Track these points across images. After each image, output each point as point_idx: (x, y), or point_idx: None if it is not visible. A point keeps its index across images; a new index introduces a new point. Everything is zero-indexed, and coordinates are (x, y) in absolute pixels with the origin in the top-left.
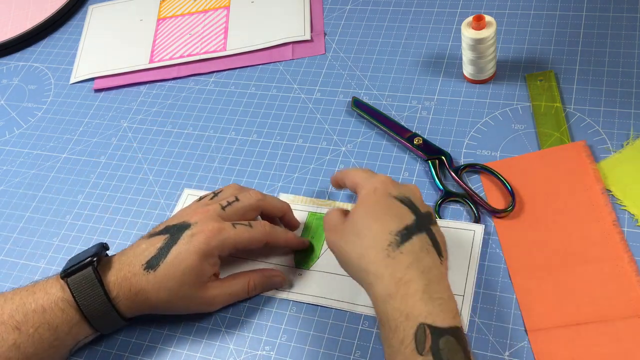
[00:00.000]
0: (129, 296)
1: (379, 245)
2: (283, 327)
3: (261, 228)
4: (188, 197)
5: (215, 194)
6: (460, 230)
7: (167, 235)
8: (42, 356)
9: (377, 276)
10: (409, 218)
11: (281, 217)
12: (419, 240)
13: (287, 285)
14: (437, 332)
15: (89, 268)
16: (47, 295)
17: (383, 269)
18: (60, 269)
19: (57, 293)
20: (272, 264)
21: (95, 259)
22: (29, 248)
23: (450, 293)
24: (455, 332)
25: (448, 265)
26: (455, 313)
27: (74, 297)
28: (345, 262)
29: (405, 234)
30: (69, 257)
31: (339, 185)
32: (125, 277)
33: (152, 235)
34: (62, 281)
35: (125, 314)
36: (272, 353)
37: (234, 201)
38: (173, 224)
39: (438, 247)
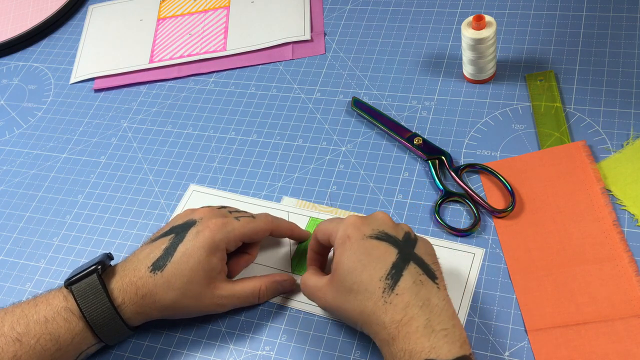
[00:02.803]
0: (135, 301)
1: (374, 295)
2: (283, 327)
3: (265, 218)
4: (193, 192)
5: (224, 207)
6: (460, 252)
7: (172, 235)
8: None
9: (378, 325)
10: (392, 254)
11: (290, 235)
12: (410, 274)
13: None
14: None
15: (93, 275)
16: (49, 306)
17: (383, 316)
18: (61, 268)
19: (60, 303)
20: (270, 267)
21: (99, 266)
22: (29, 248)
23: (455, 321)
24: None
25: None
26: (463, 341)
27: (77, 304)
28: (347, 319)
29: (395, 274)
30: (69, 257)
31: (319, 245)
32: (130, 281)
33: (156, 238)
34: (65, 290)
35: (131, 322)
36: (272, 353)
37: (245, 215)
38: (178, 224)
39: (429, 270)
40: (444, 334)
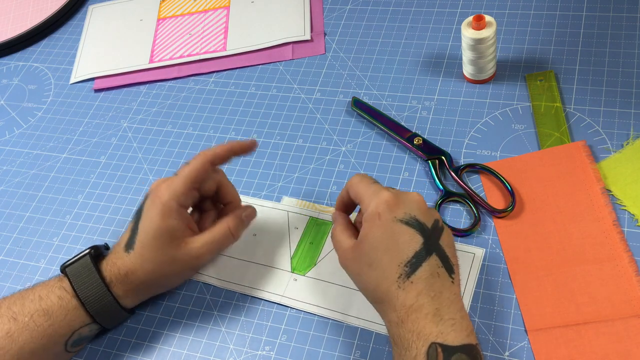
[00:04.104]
0: (120, 279)
1: (390, 277)
2: (283, 327)
3: (198, 156)
4: None
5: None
6: (460, 252)
7: (135, 217)
8: (36, 345)
9: (389, 305)
10: (417, 242)
11: (233, 153)
12: (429, 266)
13: (282, 289)
14: (449, 350)
15: (86, 257)
16: (45, 287)
17: (395, 299)
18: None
19: (55, 283)
20: (269, 266)
21: (92, 250)
22: (29, 248)
23: (463, 313)
24: (469, 349)
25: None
26: (469, 331)
27: (71, 283)
28: (361, 289)
29: (415, 263)
30: (70, 257)
31: (349, 198)
32: (113, 263)
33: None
34: (61, 274)
35: (124, 302)
36: (272, 353)
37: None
38: (137, 208)
39: (448, 264)
40: (452, 323)
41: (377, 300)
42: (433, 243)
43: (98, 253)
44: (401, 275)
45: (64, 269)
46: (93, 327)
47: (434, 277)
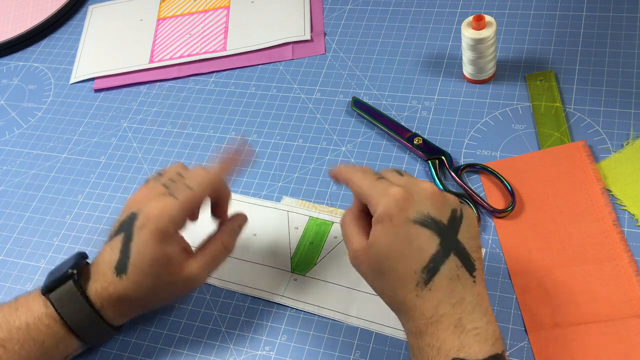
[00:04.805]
0: (112, 304)
1: (406, 286)
2: (283, 327)
3: (200, 181)
4: None
5: (160, 174)
6: None
7: (122, 234)
8: None
9: (407, 315)
10: (433, 245)
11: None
12: (447, 269)
13: (282, 289)
14: None
15: (70, 282)
16: (30, 312)
17: (412, 309)
18: None
19: (40, 309)
20: (269, 266)
21: (75, 271)
22: (29, 248)
23: (489, 317)
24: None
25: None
26: (496, 339)
27: (58, 312)
28: (377, 293)
29: (432, 268)
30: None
31: (341, 181)
32: (103, 287)
33: (111, 236)
34: (44, 298)
35: (115, 322)
36: (272, 353)
37: (180, 185)
38: (123, 219)
39: (468, 262)
40: (475, 333)
41: (395, 309)
42: (450, 241)
43: (79, 271)
44: (418, 282)
45: (46, 292)
46: (85, 347)
47: (454, 281)
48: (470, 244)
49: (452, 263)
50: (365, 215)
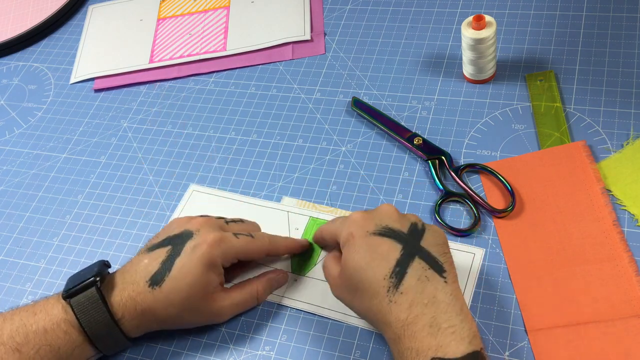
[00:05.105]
0: (135, 316)
1: (379, 294)
2: (283, 327)
3: (262, 240)
4: (193, 192)
5: (224, 219)
6: (460, 252)
7: (169, 247)
8: None
9: (384, 324)
10: (396, 251)
11: (287, 253)
12: (415, 271)
13: (282, 289)
14: None
15: (92, 289)
16: (48, 317)
17: (388, 316)
18: (61, 269)
19: (59, 314)
20: (268, 266)
21: (98, 278)
22: (29, 248)
23: (464, 315)
24: (472, 358)
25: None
26: (473, 336)
27: (77, 318)
28: (358, 314)
29: (399, 271)
30: (69, 257)
31: (322, 240)
32: (130, 296)
33: (152, 248)
34: (64, 302)
35: (130, 334)
36: (272, 353)
37: (244, 233)
38: (174, 234)
39: (436, 264)
40: (452, 331)
41: (373, 321)
42: (413, 246)
43: (102, 279)
44: (389, 288)
45: (67, 297)
46: (98, 355)
47: (422, 282)
48: (436, 250)
49: (418, 265)
50: (339, 259)
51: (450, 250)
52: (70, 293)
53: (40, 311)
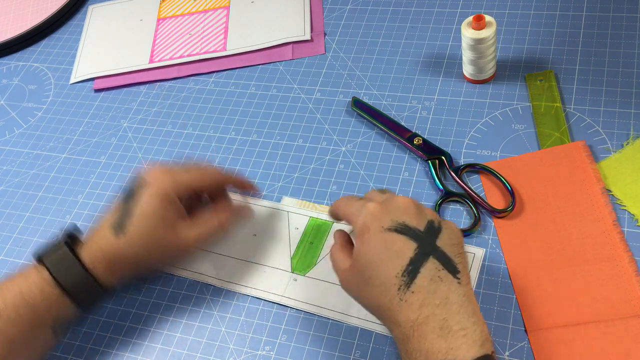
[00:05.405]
0: (105, 264)
1: (390, 292)
2: (283, 327)
3: (212, 170)
4: None
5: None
6: None
7: (125, 197)
8: (25, 336)
9: (393, 322)
10: (410, 249)
11: (237, 185)
12: (428, 270)
13: (282, 289)
14: None
15: (64, 247)
16: (25, 280)
17: (397, 315)
18: None
19: (35, 276)
20: (269, 266)
21: (68, 238)
22: (29, 248)
23: (476, 317)
24: None
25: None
26: (484, 339)
27: (51, 274)
28: (366, 308)
29: (412, 270)
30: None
31: (337, 218)
32: (98, 247)
33: (111, 207)
34: (39, 265)
35: (106, 282)
36: (272, 353)
37: (193, 167)
38: (129, 187)
39: (450, 264)
40: (462, 334)
41: (382, 317)
42: (428, 246)
43: (73, 238)
44: (400, 286)
45: (38, 258)
46: (77, 311)
47: (435, 282)
48: (451, 249)
49: (431, 265)
50: (349, 244)
51: None
52: (43, 255)
53: (18, 277)
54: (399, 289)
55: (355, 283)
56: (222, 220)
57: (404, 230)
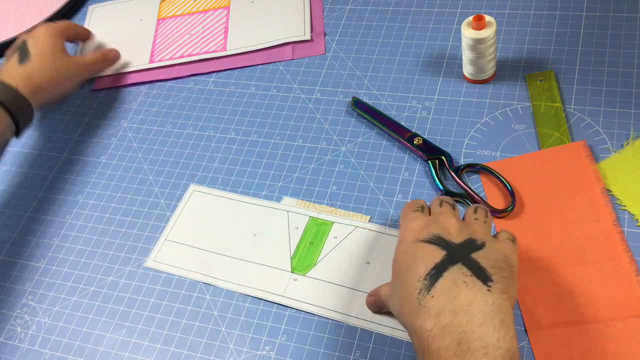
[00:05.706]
0: (23, 85)
1: (411, 296)
2: (283, 327)
3: (64, 24)
4: (193, 192)
5: None
6: None
7: (17, 47)
8: None
9: (411, 330)
10: (438, 255)
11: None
12: (452, 274)
13: (282, 289)
14: None
15: None
16: None
17: (415, 321)
18: (61, 269)
19: None
20: (268, 266)
21: None
22: (29, 248)
23: (505, 331)
24: None
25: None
26: (510, 356)
27: None
28: (398, 320)
29: (434, 274)
30: (69, 257)
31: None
32: (9, 74)
33: (9, 57)
34: None
35: (31, 100)
36: (272, 353)
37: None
38: (18, 47)
39: (482, 273)
40: (483, 353)
41: (405, 325)
42: (460, 254)
43: None
44: (421, 290)
45: None
46: (12, 127)
47: (457, 286)
48: (488, 263)
49: (458, 269)
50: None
51: None
52: None
53: None
54: (419, 292)
55: (391, 298)
56: (104, 52)
57: (436, 241)
